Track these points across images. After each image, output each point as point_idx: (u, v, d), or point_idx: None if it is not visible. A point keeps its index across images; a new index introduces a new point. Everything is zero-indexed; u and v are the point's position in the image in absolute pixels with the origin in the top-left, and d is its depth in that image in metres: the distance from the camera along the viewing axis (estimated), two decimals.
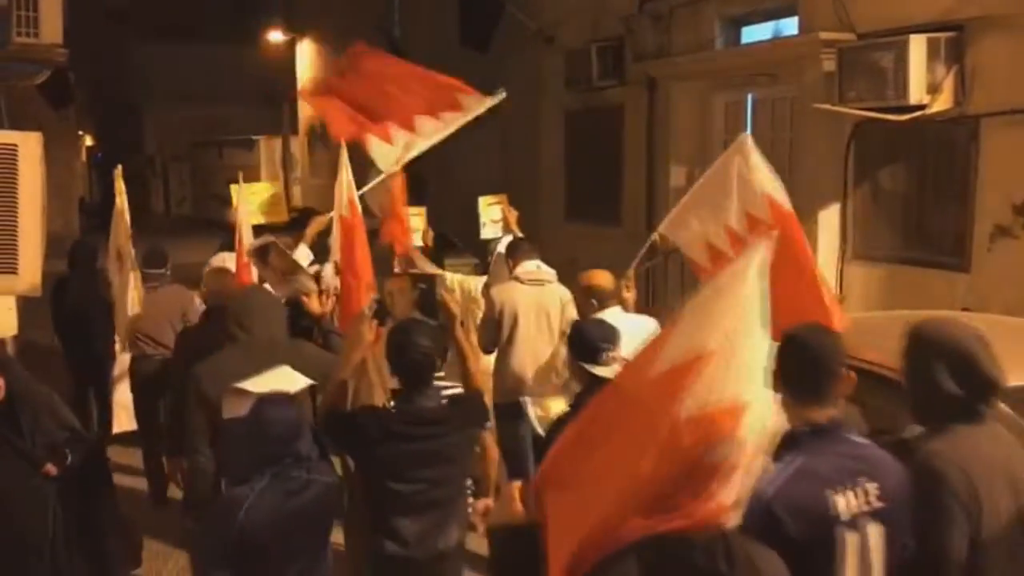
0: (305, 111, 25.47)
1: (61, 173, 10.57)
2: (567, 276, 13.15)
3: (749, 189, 4.38)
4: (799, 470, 2.42)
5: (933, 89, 6.97)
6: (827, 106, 7.63)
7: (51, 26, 6.36)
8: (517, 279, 5.96)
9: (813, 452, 2.46)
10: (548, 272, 6.06)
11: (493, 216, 8.31)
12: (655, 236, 5.49)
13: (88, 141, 32.15)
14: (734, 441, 1.93)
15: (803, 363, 2.53)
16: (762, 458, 2.01)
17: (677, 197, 10.24)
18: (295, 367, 3.61)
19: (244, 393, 3.42)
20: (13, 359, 3.74)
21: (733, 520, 1.96)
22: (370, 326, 3.47)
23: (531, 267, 6.01)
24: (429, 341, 3.46)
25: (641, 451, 1.99)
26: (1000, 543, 2.58)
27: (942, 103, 7.00)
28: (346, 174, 5.19)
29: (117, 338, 6.65)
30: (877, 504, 2.44)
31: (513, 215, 7.86)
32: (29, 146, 3.17)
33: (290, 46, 24.66)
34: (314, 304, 4.59)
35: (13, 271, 3.17)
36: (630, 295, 5.23)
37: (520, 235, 7.30)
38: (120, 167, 6.95)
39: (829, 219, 8.19)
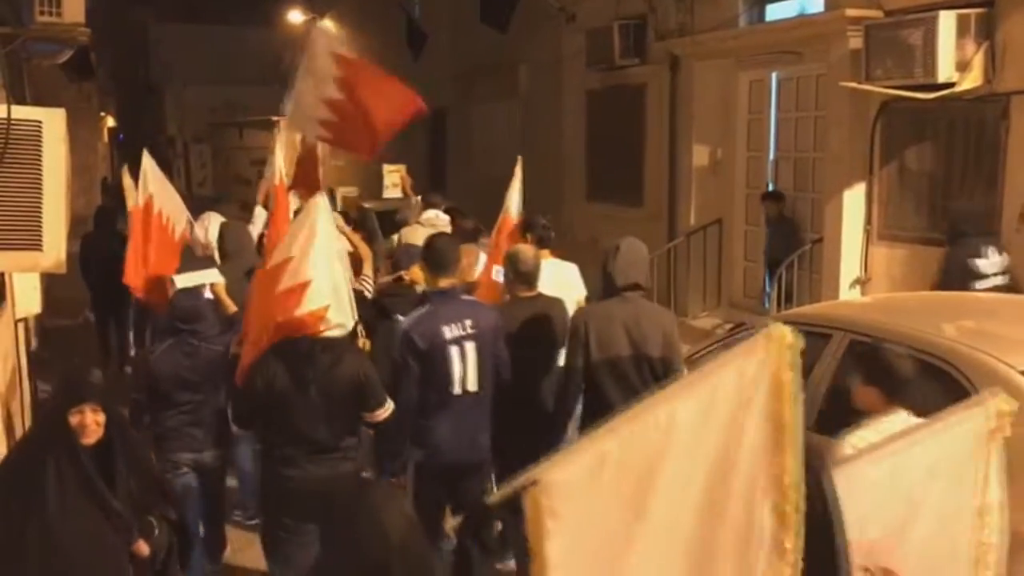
0: None
1: (84, 153, 10.67)
2: (589, 256, 13.12)
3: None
4: (426, 313, 4.42)
5: (962, 67, 6.86)
6: (853, 84, 7.54)
7: (73, 5, 6.38)
8: (419, 223, 7.85)
9: (437, 303, 4.46)
10: (444, 219, 7.93)
11: (394, 181, 11.58)
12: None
13: (110, 122, 32.28)
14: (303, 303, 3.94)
15: (434, 252, 4.53)
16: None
17: (700, 177, 10.29)
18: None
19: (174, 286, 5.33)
20: (113, 395, 3.19)
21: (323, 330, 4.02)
22: None
23: (431, 214, 8.05)
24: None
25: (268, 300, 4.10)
26: (607, 363, 4.46)
27: (971, 81, 6.90)
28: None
29: None
30: (471, 331, 4.39)
31: (408, 181, 9.78)
32: (53, 123, 3.18)
33: (310, 26, 24.64)
34: None
35: (38, 247, 3.18)
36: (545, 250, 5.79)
37: (416, 197, 9.24)
38: (125, 168, 7.28)
39: (854, 199, 8.12)
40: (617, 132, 11.86)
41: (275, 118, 28.69)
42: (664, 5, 10.60)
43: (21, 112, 3.12)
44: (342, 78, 5.25)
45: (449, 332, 4.33)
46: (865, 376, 3.79)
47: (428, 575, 2.35)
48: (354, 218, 7.92)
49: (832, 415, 4.45)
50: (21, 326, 7.15)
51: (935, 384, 4.11)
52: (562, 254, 6.18)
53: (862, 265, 8.14)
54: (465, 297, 4.72)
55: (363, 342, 5.18)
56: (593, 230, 12.49)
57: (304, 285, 3.91)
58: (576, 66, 12.40)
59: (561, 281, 5.68)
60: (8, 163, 3.06)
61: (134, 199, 6.60)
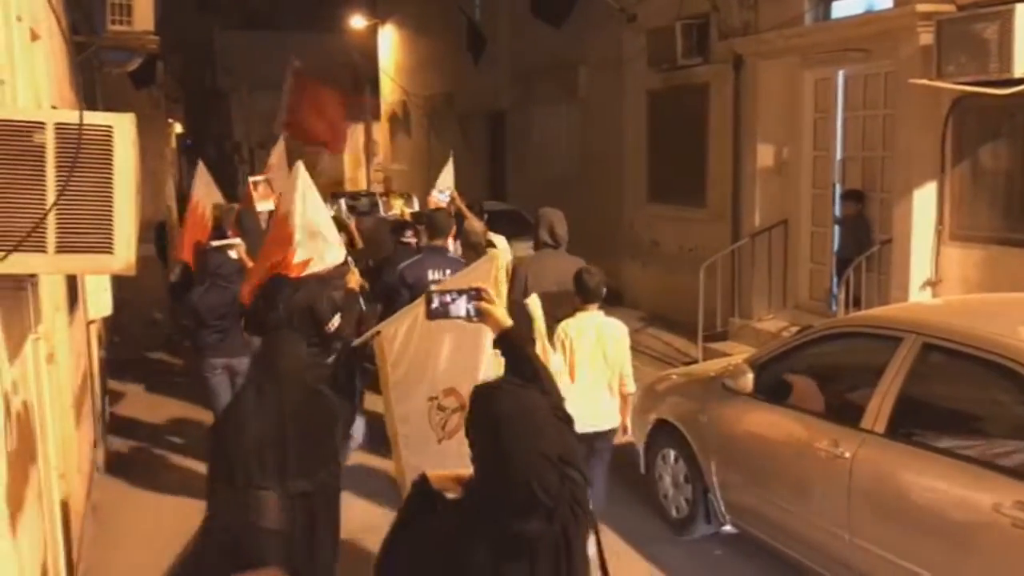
0: (387, 98, 25.72)
1: (152, 159, 10.94)
2: (650, 256, 13.07)
3: None
4: (417, 260, 6.48)
5: None
6: (924, 81, 7.35)
7: (143, 14, 6.55)
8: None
9: (427, 255, 6.51)
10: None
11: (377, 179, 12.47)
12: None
13: (178, 128, 33.01)
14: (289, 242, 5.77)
15: (433, 221, 6.68)
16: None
17: (764, 178, 10.14)
18: None
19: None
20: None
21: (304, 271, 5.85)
22: None
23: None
24: None
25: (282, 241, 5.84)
26: (545, 295, 5.09)
27: None
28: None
29: None
30: (448, 274, 5.95)
31: (458, 199, 9.73)
32: (123, 127, 3.23)
33: (372, 32, 24.90)
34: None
35: (109, 251, 3.23)
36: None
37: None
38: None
39: (925, 199, 7.91)
40: (679, 132, 11.75)
41: None
42: (728, 4, 10.47)
43: (92, 117, 3.17)
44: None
45: (432, 275, 6.16)
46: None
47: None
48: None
49: (904, 420, 4.35)
50: (93, 328, 7.34)
51: (1011, 388, 3.98)
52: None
53: (933, 267, 7.93)
54: (450, 254, 6.59)
55: (354, 278, 6.54)
56: (654, 232, 12.40)
57: (289, 237, 5.62)
58: (637, 66, 12.32)
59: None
60: (80, 167, 3.12)
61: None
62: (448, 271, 6.18)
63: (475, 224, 7.47)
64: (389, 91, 25.42)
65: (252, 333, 6.10)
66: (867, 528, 4.34)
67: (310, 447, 3.48)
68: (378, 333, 4.12)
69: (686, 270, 10.84)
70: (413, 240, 7.83)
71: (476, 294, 3.01)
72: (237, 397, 3.75)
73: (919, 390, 4.40)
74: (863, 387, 4.65)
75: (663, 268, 12.00)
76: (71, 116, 3.20)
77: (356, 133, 27.06)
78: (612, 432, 5.44)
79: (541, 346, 4.19)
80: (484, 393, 2.43)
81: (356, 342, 4.31)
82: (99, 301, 6.94)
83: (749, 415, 5.24)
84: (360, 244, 8.70)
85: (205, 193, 8.82)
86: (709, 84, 11.06)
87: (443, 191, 9.12)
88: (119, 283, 7.09)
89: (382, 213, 11.71)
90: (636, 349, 7.36)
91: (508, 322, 2.95)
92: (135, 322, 10.60)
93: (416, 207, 11.08)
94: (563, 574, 2.29)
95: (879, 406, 4.41)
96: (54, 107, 5.14)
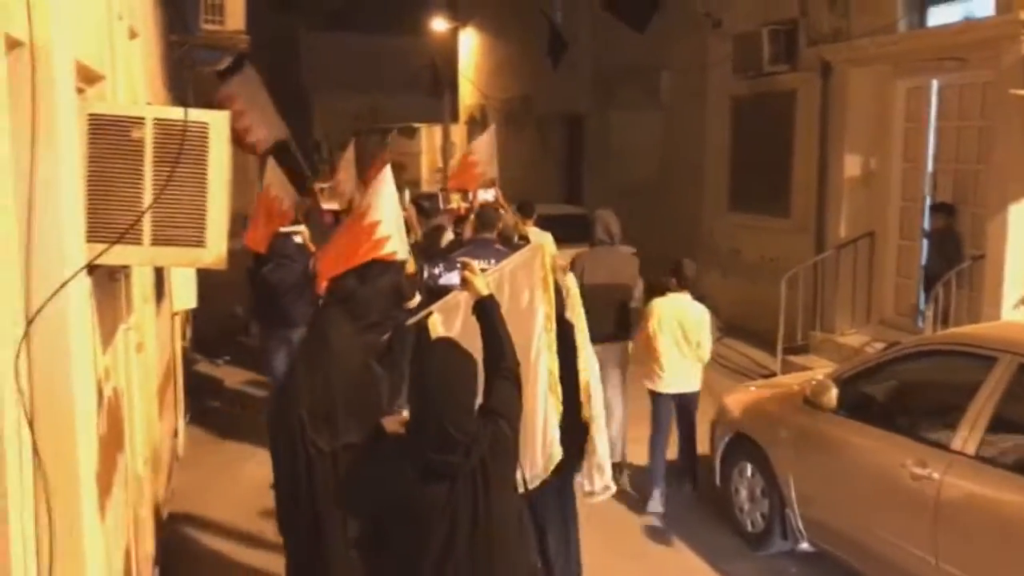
0: (465, 99, 25.93)
1: (239, 155, 11.28)
2: (730, 266, 12.91)
3: None
4: (469, 248, 6.65)
5: None
6: None
7: (235, 13, 6.74)
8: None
9: (474, 246, 6.66)
10: None
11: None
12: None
13: None
14: (374, 232, 5.91)
15: (482, 215, 6.99)
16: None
17: (851, 188, 9.94)
18: None
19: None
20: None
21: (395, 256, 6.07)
22: None
23: None
24: None
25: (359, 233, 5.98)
26: (598, 287, 6.36)
27: None
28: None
29: None
30: (492, 264, 5.41)
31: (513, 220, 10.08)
32: (218, 125, 3.34)
33: (453, 34, 25.10)
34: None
35: (201, 244, 3.34)
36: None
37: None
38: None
39: (1022, 214, 7.65)
40: (763, 140, 11.58)
41: (416, 125, 29.44)
42: (817, 9, 10.29)
43: (191, 115, 3.28)
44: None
45: (479, 265, 6.15)
46: None
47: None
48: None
49: (996, 442, 4.22)
50: (176, 319, 7.57)
51: None
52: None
53: None
54: (497, 247, 6.81)
55: (411, 264, 7.09)
56: (735, 240, 12.24)
57: (375, 224, 6.03)
58: (721, 72, 12.18)
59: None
60: (177, 163, 3.22)
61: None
62: (493, 262, 6.49)
63: (508, 219, 8.00)
64: (467, 94, 25.61)
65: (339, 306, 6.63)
66: (954, 552, 4.21)
67: (355, 417, 3.63)
68: (431, 313, 4.28)
69: (767, 280, 10.68)
70: (454, 233, 8.78)
71: (462, 267, 3.78)
72: (290, 371, 3.90)
73: (1014, 412, 4.26)
74: (953, 407, 4.52)
75: (743, 278, 11.84)
76: (170, 113, 3.31)
77: (434, 134, 27.32)
78: (695, 394, 6.52)
79: (575, 315, 4.54)
80: (420, 350, 3.32)
81: (410, 321, 4.46)
82: (185, 293, 7.15)
83: (832, 431, 5.14)
84: (418, 236, 9.13)
85: (283, 189, 9.16)
86: (796, 91, 10.88)
87: (487, 189, 9.84)
88: (202, 276, 7.31)
89: (441, 207, 12.19)
90: (713, 360, 7.28)
91: (485, 292, 3.59)
92: (216, 315, 10.89)
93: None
94: (479, 496, 2.89)
95: (970, 427, 4.28)
96: (149, 104, 5.31)
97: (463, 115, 26.26)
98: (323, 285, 6.45)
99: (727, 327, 11.18)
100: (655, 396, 6.50)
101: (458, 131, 26.51)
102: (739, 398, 6.30)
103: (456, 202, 11.76)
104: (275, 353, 7.19)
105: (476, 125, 25.18)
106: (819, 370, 6.70)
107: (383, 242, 6.04)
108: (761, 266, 11.45)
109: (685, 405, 6.52)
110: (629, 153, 15.84)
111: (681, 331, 6.33)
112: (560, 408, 4.08)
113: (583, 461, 4.62)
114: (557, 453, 3.98)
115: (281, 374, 6.65)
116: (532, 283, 4.11)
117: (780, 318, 9.68)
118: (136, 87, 5.05)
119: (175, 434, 7.19)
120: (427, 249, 8.48)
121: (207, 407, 8.64)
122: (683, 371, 6.40)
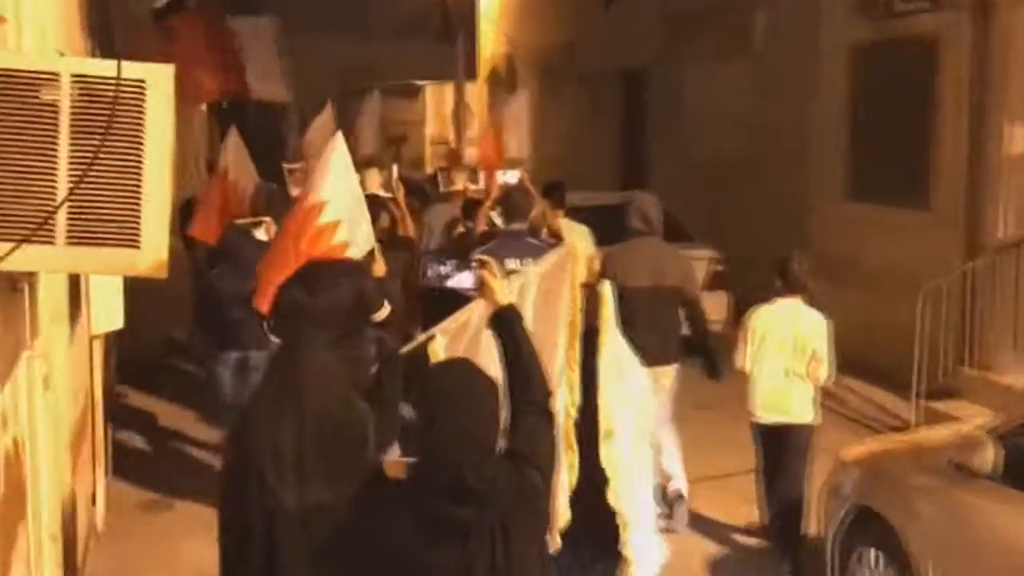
0: (486, 49, 25.99)
1: (178, 125, 11.41)
2: (849, 277, 12.84)
3: None
4: (496, 244, 7.15)
5: None
6: None
7: None
8: None
9: (504, 239, 7.27)
10: None
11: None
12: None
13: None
14: (318, 216, 5.97)
15: (510, 201, 7.55)
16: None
17: (1017, 171, 9.88)
18: None
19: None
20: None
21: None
22: None
23: None
24: None
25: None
26: (638, 291, 6.67)
27: None
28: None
29: None
30: (526, 263, 5.93)
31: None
32: (159, 84, 3.31)
33: None
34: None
35: (135, 244, 3.30)
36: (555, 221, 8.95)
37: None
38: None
39: None
40: (893, 105, 11.57)
41: (419, 83, 29.54)
42: None
43: (124, 70, 3.24)
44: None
45: (509, 264, 6.38)
46: None
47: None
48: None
49: None
50: (97, 345, 7.62)
51: None
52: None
53: None
54: (531, 239, 7.17)
55: (379, 266, 7.03)
56: (852, 241, 12.18)
57: (319, 206, 6.03)
58: (836, 13, 12.21)
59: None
60: (104, 134, 3.22)
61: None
62: (528, 260, 6.58)
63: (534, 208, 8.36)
64: (489, 41, 25.73)
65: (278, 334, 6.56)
66: None
67: (334, 467, 3.63)
68: (432, 337, 4.31)
69: (898, 296, 10.60)
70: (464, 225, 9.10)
71: (479, 265, 3.84)
72: (248, 408, 3.92)
73: None
74: None
75: (865, 292, 11.76)
76: (95, 67, 3.32)
77: (443, 95, 27.39)
78: (806, 428, 6.57)
79: (607, 335, 4.70)
80: (429, 373, 3.28)
81: (405, 349, 4.47)
82: (108, 310, 7.20)
83: (990, 505, 5.13)
84: (407, 230, 9.33)
85: (242, 169, 9.41)
86: (939, 38, 10.86)
87: (510, 171, 10.27)
88: (131, 287, 7.35)
89: (442, 189, 12.32)
90: (824, 406, 7.25)
91: (505, 300, 3.71)
92: (145, 340, 10.98)
93: (480, 183, 11.64)
94: (498, 559, 2.91)
95: None
96: (61, 54, 5.36)
97: (482, 70, 26.38)
98: (263, 301, 6.39)
99: (843, 360, 11.12)
100: (751, 427, 6.71)
101: (475, 91, 26.57)
102: (861, 459, 6.30)
103: (462, 182, 11.87)
104: (225, 384, 7.32)
105: (500, 83, 25.28)
106: (972, 420, 6.66)
107: (329, 231, 6.01)
108: (890, 276, 11.39)
109: (789, 443, 6.53)
110: (710, 121, 15.83)
111: (792, 345, 6.46)
112: (576, 468, 4.14)
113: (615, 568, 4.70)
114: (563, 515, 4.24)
115: (233, 412, 6.61)
116: (558, 299, 4.26)
117: (916, 348, 9.66)
118: (44, 32, 5.09)
119: (93, 499, 7.25)
120: (443, 250, 8.75)
121: (136, 459, 8.70)
122: (787, 393, 6.50)
